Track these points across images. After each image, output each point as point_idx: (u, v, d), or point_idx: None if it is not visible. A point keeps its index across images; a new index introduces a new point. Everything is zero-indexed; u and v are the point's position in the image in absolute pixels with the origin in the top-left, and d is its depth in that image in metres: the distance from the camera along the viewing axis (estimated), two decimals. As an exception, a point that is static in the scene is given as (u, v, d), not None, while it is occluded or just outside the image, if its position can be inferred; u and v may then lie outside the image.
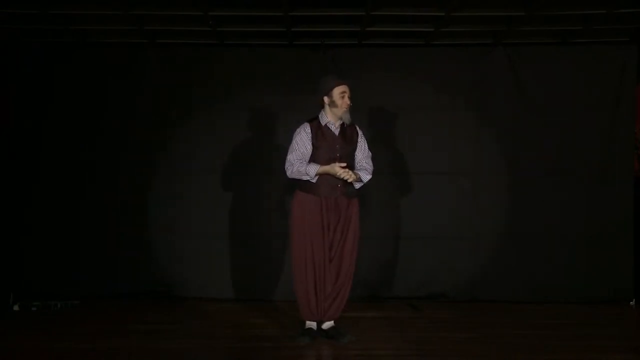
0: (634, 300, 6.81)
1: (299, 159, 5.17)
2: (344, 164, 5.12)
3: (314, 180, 5.15)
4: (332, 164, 5.11)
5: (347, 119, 5.22)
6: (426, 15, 6.25)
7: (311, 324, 5.30)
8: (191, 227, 6.90)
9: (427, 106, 6.91)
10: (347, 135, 5.29)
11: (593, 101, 6.86)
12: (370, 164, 5.37)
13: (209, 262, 6.89)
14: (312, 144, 5.19)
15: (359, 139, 5.35)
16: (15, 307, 6.46)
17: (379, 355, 4.93)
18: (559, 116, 6.86)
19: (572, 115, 6.86)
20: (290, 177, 5.22)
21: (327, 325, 5.29)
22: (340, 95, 5.18)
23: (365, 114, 6.81)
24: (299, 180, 5.21)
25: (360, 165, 5.32)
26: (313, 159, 5.20)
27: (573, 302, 6.73)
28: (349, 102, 5.20)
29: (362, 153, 5.35)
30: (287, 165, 5.20)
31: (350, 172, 5.10)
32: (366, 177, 5.29)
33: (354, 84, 6.72)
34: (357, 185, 5.28)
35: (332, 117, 5.23)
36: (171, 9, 6.15)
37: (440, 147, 6.91)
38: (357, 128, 5.39)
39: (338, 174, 5.07)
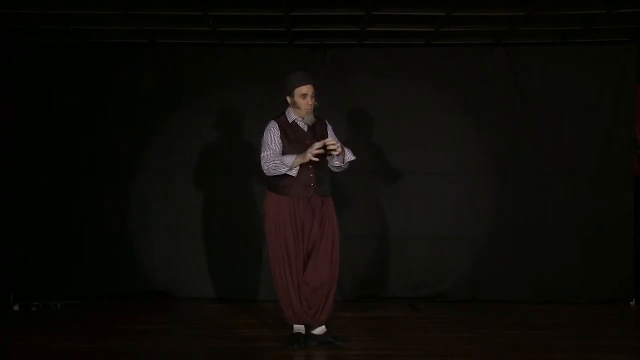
0: (634, 300, 6.81)
1: (274, 154, 5.05)
2: (319, 144, 4.93)
3: (293, 174, 5.01)
4: (304, 153, 4.95)
5: (309, 120, 5.09)
6: (426, 15, 6.25)
7: (299, 328, 5.17)
8: (191, 228, 6.90)
9: (427, 106, 6.90)
10: (317, 130, 5.16)
11: (593, 101, 6.86)
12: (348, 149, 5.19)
13: (208, 263, 6.90)
14: (281, 141, 5.09)
15: (330, 135, 5.19)
16: (15, 307, 6.46)
17: (379, 355, 4.92)
18: (559, 116, 6.86)
19: (572, 115, 6.86)
20: (267, 174, 5.08)
21: (319, 330, 5.16)
22: (301, 96, 5.04)
23: (365, 114, 6.81)
24: (271, 180, 5.11)
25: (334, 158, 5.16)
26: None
27: (573, 302, 6.73)
28: (310, 103, 5.05)
29: None
30: (262, 162, 5.07)
31: (334, 143, 4.93)
32: (349, 156, 5.13)
33: (354, 84, 6.82)
34: (336, 163, 5.10)
35: (297, 115, 5.12)
36: (171, 9, 6.15)
37: (440, 147, 6.91)
38: (327, 123, 5.25)
39: (313, 152, 4.90)
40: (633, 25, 6.53)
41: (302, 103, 5.06)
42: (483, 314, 6.33)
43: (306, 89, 5.05)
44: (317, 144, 4.94)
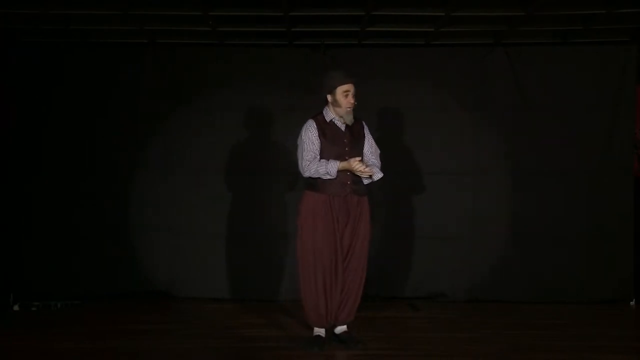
0: (634, 300, 6.81)
1: (315, 157, 4.99)
2: (359, 158, 4.96)
3: (333, 176, 4.98)
4: (349, 160, 4.92)
5: (349, 119, 5.06)
6: (426, 15, 6.25)
7: (319, 331, 5.09)
8: (191, 227, 6.90)
9: (427, 106, 6.90)
10: (355, 130, 5.14)
11: (593, 101, 6.86)
12: (379, 161, 5.20)
13: (208, 262, 6.90)
14: (319, 139, 5.03)
15: (366, 135, 5.20)
16: (15, 307, 6.46)
17: (379, 355, 4.93)
18: (559, 116, 6.86)
19: (572, 115, 6.86)
20: (307, 176, 5.03)
21: (339, 329, 5.16)
22: (343, 94, 5.00)
23: (365, 114, 6.78)
24: (308, 179, 5.05)
25: (369, 162, 5.12)
26: (321, 155, 5.02)
27: (573, 302, 6.73)
28: (352, 102, 5.03)
29: (370, 149, 5.19)
30: (304, 164, 4.99)
31: (368, 167, 4.94)
32: (378, 174, 5.07)
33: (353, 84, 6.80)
34: (366, 182, 5.08)
35: (336, 114, 5.08)
36: (171, 9, 6.15)
37: (440, 147, 6.91)
38: (364, 123, 5.24)
39: (356, 168, 4.88)
40: (633, 25, 6.53)
41: (343, 101, 5.02)
42: (483, 314, 6.34)
43: (348, 86, 5.03)
44: (360, 167, 4.90)
